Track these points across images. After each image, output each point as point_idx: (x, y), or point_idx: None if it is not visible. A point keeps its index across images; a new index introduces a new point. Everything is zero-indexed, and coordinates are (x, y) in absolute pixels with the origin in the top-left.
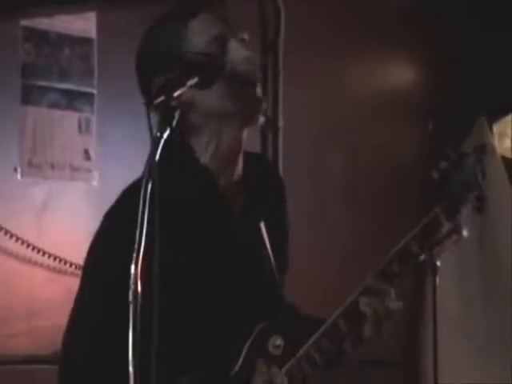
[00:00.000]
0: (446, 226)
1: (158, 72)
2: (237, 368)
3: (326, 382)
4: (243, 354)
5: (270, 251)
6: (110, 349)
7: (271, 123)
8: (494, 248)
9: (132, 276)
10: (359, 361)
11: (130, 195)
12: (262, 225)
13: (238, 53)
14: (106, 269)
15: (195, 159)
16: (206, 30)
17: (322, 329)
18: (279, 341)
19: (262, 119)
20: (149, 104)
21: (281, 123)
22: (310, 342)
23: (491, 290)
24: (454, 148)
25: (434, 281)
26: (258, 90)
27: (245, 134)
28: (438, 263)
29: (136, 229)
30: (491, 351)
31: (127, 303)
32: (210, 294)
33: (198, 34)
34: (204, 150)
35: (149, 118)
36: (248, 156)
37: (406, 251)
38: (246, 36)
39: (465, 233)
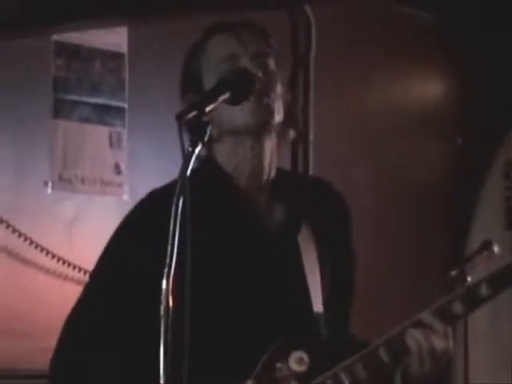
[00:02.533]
0: None
1: (184, 91)
2: (254, 377)
3: None
4: (259, 365)
5: (307, 266)
6: (107, 349)
7: (302, 137)
8: None
9: (163, 291)
10: None
11: (155, 199)
12: (304, 238)
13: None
14: (111, 274)
15: (218, 166)
16: (221, 49)
17: (359, 353)
18: (304, 357)
19: (292, 133)
20: (180, 119)
21: (311, 137)
22: (343, 364)
23: None
24: None
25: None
26: (270, 101)
27: (267, 146)
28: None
29: (142, 239)
30: None
31: (129, 309)
32: (233, 305)
33: (213, 53)
34: (226, 161)
35: (180, 133)
36: (306, 178)
37: (474, 293)
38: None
39: (496, 249)
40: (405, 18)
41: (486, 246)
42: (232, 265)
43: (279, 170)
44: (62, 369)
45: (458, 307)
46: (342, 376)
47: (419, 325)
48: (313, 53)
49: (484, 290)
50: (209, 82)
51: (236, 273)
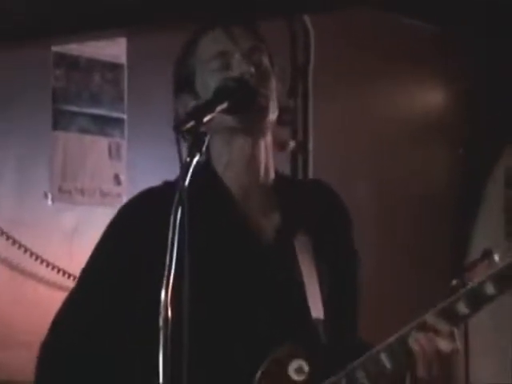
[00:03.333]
0: None
1: (178, 90)
2: None
3: None
4: (257, 375)
5: (305, 272)
6: (91, 353)
7: (301, 146)
8: None
9: (162, 302)
10: None
11: (145, 199)
12: (301, 244)
13: (238, 68)
14: (99, 276)
15: (211, 167)
16: (211, 46)
17: (360, 360)
18: (303, 365)
19: (292, 143)
20: (178, 129)
21: (311, 146)
22: (343, 371)
23: None
24: None
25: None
26: (263, 101)
27: (261, 147)
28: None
29: (132, 240)
30: None
31: (117, 312)
32: (230, 315)
33: (204, 51)
34: (217, 160)
35: (178, 143)
36: (304, 182)
37: (479, 292)
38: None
39: (496, 258)
40: (406, 28)
41: (487, 255)
42: (227, 274)
43: (277, 174)
44: (47, 371)
45: (462, 307)
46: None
47: (423, 327)
48: (312, 63)
49: (490, 289)
50: (200, 81)
51: (231, 282)
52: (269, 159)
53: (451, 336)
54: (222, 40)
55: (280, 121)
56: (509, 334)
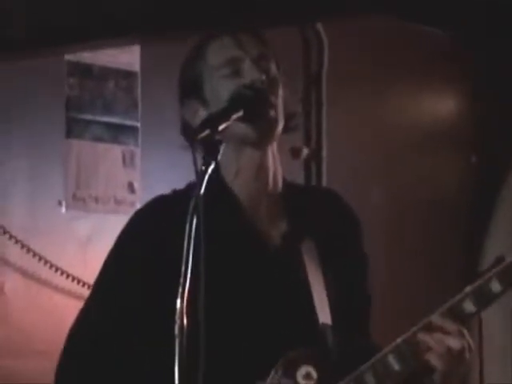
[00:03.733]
0: None
1: (185, 96)
2: None
3: None
4: (268, 380)
5: (311, 278)
6: (108, 362)
7: (315, 154)
8: None
9: (178, 311)
10: None
11: (157, 206)
12: (307, 251)
13: (249, 75)
14: (113, 284)
15: (220, 176)
16: (220, 53)
17: (368, 363)
18: (311, 371)
19: (306, 150)
20: (193, 138)
21: (324, 153)
22: (352, 375)
23: None
24: None
25: (479, 314)
26: (272, 110)
27: (269, 154)
28: None
29: (144, 248)
30: None
31: (131, 320)
32: (238, 320)
33: (213, 57)
34: (226, 169)
35: (194, 152)
36: (311, 189)
37: (485, 290)
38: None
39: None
40: (418, 35)
41: (500, 261)
42: (235, 281)
43: (286, 183)
44: (65, 380)
45: (469, 306)
46: None
47: (429, 328)
48: (325, 70)
49: (496, 286)
50: (209, 87)
51: (240, 289)
52: (277, 167)
53: (460, 334)
54: (231, 46)
55: (286, 128)
56: None
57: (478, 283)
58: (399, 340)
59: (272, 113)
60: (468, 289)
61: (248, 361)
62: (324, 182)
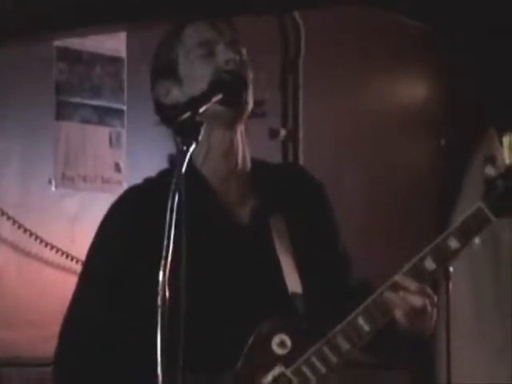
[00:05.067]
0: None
1: (158, 76)
2: (239, 364)
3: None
4: (244, 351)
5: (280, 251)
6: (105, 341)
7: (292, 135)
8: (503, 253)
9: (160, 283)
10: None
11: (131, 194)
12: (275, 225)
13: (223, 55)
14: (104, 261)
15: (192, 161)
16: (196, 35)
17: (339, 327)
18: (285, 339)
19: (283, 131)
20: (174, 120)
21: (301, 135)
22: (323, 341)
23: (501, 291)
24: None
25: (448, 286)
26: (245, 92)
27: (238, 134)
28: (451, 269)
29: (133, 225)
30: (502, 345)
31: (124, 296)
32: (214, 292)
33: (189, 39)
34: (196, 151)
35: (175, 133)
36: (276, 165)
37: (443, 247)
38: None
39: (477, 240)
40: (392, 24)
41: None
42: (208, 257)
43: (254, 161)
44: (65, 366)
45: (429, 263)
46: (326, 350)
47: (394, 287)
48: (302, 55)
49: (453, 243)
50: (184, 66)
51: (213, 264)
52: (245, 148)
53: (422, 291)
54: (205, 30)
55: (252, 113)
56: (491, 319)
57: (437, 241)
58: (367, 301)
59: (245, 94)
60: (427, 248)
61: (224, 331)
62: (301, 162)
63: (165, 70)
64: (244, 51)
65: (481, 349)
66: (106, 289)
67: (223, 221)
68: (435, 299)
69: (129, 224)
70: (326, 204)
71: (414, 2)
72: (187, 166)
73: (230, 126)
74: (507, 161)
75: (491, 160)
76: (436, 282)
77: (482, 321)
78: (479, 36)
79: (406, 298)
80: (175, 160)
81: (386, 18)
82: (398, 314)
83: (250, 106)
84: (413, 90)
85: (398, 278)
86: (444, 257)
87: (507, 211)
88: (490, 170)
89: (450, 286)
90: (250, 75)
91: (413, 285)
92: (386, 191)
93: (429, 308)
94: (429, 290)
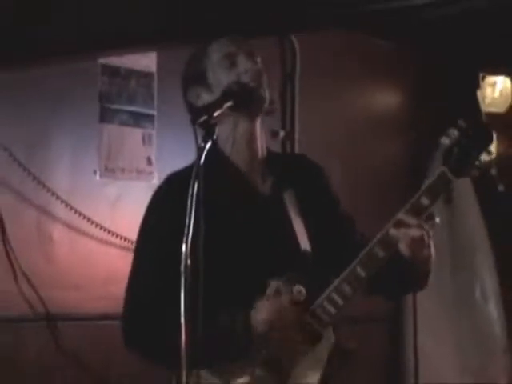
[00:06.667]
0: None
1: (190, 83)
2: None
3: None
4: (266, 295)
5: (293, 218)
6: (162, 297)
7: (289, 135)
8: (459, 231)
9: (183, 253)
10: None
11: (171, 182)
12: (288, 198)
13: (243, 65)
14: (155, 237)
15: (220, 150)
16: (220, 49)
17: (342, 275)
18: (302, 289)
19: (282, 133)
20: (194, 122)
21: (297, 135)
22: (331, 288)
23: (457, 263)
24: (465, 120)
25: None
26: (262, 91)
27: (257, 126)
28: None
29: (174, 206)
30: (460, 309)
31: (171, 263)
32: (242, 253)
33: (215, 52)
34: (225, 143)
35: (195, 133)
36: (286, 155)
37: (418, 204)
38: (253, 54)
39: (437, 220)
40: (372, 45)
41: (430, 218)
42: (238, 221)
43: (268, 151)
44: (136, 324)
45: (424, 200)
46: (334, 296)
47: (398, 224)
48: (297, 69)
49: (425, 201)
50: (212, 75)
51: (242, 226)
52: (262, 139)
53: (419, 226)
54: (228, 44)
55: (266, 110)
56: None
57: (411, 200)
58: (379, 235)
59: (262, 92)
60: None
61: (247, 281)
62: None
63: (195, 78)
64: (259, 60)
65: (441, 302)
66: (156, 259)
67: (251, 192)
68: (429, 231)
69: (170, 204)
70: (325, 180)
71: (387, 25)
72: (219, 156)
73: (251, 120)
74: (487, 100)
75: (446, 133)
76: None
77: (441, 284)
78: (437, 52)
79: (407, 232)
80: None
81: (367, 41)
82: (402, 246)
83: (267, 102)
84: (388, 98)
85: (400, 215)
86: (419, 212)
87: (463, 172)
88: (446, 140)
89: None
90: (265, 78)
91: (412, 221)
92: (367, 182)
93: (426, 238)
94: (424, 224)
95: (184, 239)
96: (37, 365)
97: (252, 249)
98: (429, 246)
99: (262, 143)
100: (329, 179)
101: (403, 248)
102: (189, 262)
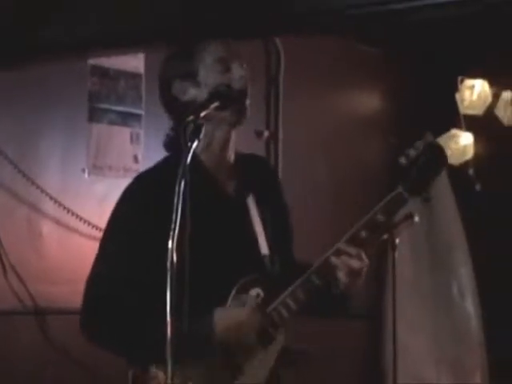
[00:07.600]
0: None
1: (175, 79)
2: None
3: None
4: (230, 298)
5: (254, 221)
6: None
7: (273, 135)
8: (437, 229)
9: (169, 249)
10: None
11: (140, 181)
12: (250, 201)
13: (238, 72)
14: (123, 229)
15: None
16: (214, 52)
17: (297, 282)
18: (259, 292)
19: (266, 133)
20: (182, 121)
21: (281, 136)
22: (286, 293)
23: (435, 261)
24: (422, 141)
25: (393, 255)
26: (247, 101)
27: (233, 134)
28: (397, 241)
29: (142, 203)
30: (438, 305)
31: (136, 259)
32: (205, 252)
33: (208, 54)
34: (198, 143)
35: (183, 133)
36: (248, 156)
37: (375, 219)
38: (243, 62)
39: (416, 218)
40: (355, 50)
41: (409, 216)
42: (205, 222)
43: (236, 152)
44: (95, 315)
45: (363, 233)
46: (288, 300)
47: (338, 253)
48: (282, 72)
49: (380, 217)
50: (203, 74)
51: (209, 228)
52: (234, 144)
53: (359, 256)
54: (221, 49)
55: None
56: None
57: (368, 216)
58: (318, 263)
59: (247, 102)
60: (361, 221)
61: (212, 282)
62: (280, 158)
63: (183, 74)
64: (245, 66)
65: (420, 298)
66: (121, 250)
67: (216, 192)
68: (367, 262)
69: (140, 199)
70: (281, 190)
71: (371, 33)
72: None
73: (229, 129)
74: (465, 102)
75: (405, 154)
76: (384, 251)
77: (419, 280)
78: (417, 59)
79: (346, 261)
80: (169, 140)
81: (350, 46)
82: (340, 274)
83: (248, 112)
84: (369, 102)
85: (340, 245)
86: (375, 227)
87: (418, 192)
88: (403, 160)
89: (396, 254)
90: (249, 86)
91: (352, 251)
92: (350, 180)
93: (364, 269)
94: (363, 255)
95: (171, 234)
96: (27, 358)
97: (214, 248)
98: (363, 275)
99: (233, 147)
100: (280, 183)
101: (341, 276)
102: (175, 258)
